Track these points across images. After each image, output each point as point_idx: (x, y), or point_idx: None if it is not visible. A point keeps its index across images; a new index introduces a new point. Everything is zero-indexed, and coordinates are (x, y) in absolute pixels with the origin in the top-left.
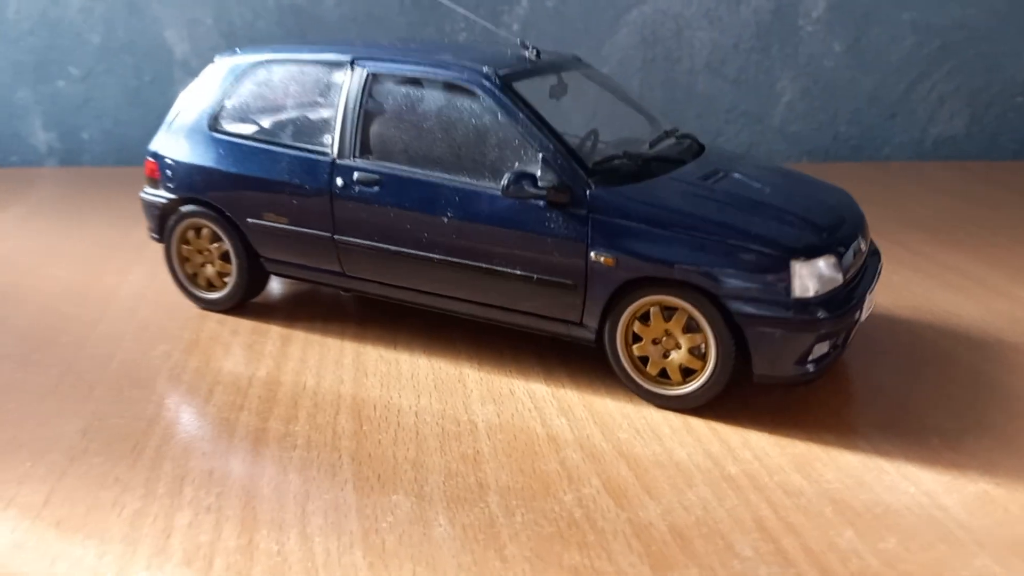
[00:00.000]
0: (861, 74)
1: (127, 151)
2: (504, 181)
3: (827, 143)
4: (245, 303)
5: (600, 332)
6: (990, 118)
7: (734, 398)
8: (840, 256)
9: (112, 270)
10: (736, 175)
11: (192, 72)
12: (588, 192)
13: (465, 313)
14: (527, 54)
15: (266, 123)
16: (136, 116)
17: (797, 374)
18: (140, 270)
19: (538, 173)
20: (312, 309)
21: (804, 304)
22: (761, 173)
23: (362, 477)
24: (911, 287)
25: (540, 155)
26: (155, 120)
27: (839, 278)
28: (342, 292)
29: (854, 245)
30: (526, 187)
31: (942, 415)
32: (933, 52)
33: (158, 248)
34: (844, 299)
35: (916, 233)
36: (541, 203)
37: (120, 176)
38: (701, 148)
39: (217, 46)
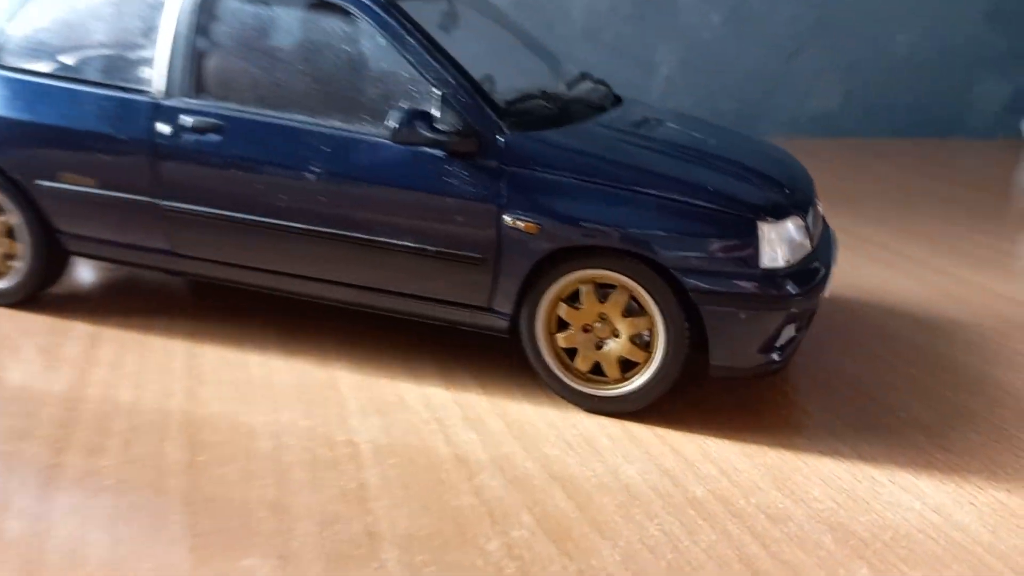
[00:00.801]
0: (739, 47)
1: None
2: (392, 122)
3: (706, 118)
4: (39, 294)
5: (515, 319)
6: (865, 94)
7: (676, 396)
8: (805, 218)
9: None
10: (671, 124)
11: None
12: (501, 138)
13: (335, 299)
14: None
15: (65, 54)
16: None
17: (762, 363)
18: None
19: (436, 114)
20: (130, 299)
21: (773, 276)
22: (696, 124)
23: (200, 532)
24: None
25: (439, 92)
26: None
27: (808, 244)
28: (171, 276)
29: (812, 207)
30: (421, 130)
31: (915, 405)
32: (810, 25)
33: None
34: (813, 270)
35: (824, 208)
36: (439, 153)
37: None
38: (618, 98)
39: None
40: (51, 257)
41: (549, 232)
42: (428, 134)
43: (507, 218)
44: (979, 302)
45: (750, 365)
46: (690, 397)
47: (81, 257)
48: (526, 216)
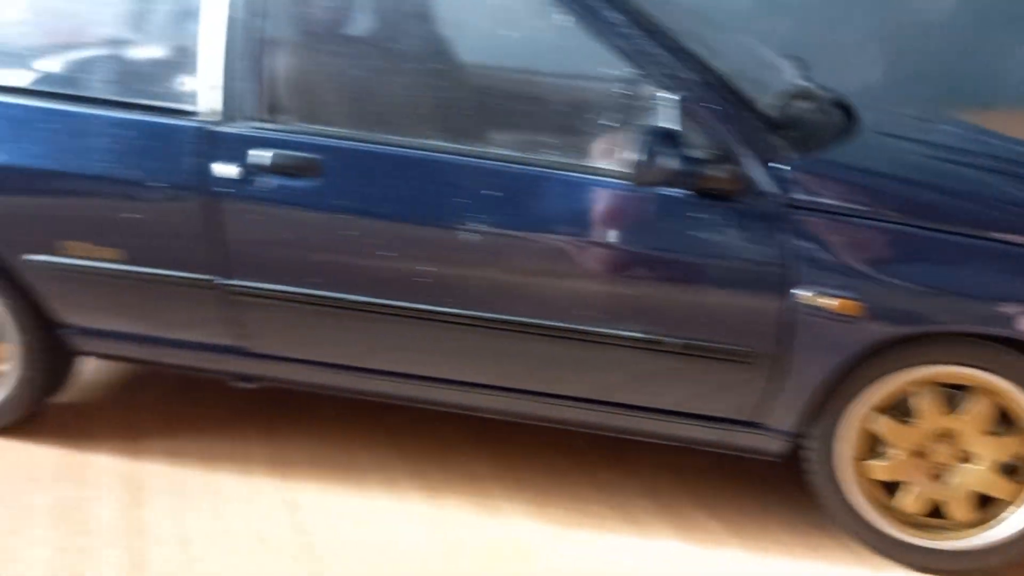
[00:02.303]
0: (776, 19)
1: None
2: (641, 153)
3: None
4: (32, 412)
5: (799, 438)
6: (904, 64)
7: None
8: None
9: None
10: (946, 127)
11: None
12: (781, 166)
13: (502, 412)
14: None
15: (55, 61)
16: None
17: None
18: None
19: (676, 130)
20: (169, 407)
21: None
22: (969, 127)
23: None
24: None
25: (678, 97)
26: None
27: None
28: (238, 384)
29: None
30: (670, 160)
31: None
32: None
33: None
34: None
35: None
36: (680, 193)
37: None
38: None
39: None
40: (49, 362)
41: (881, 313)
42: (675, 164)
43: (803, 292)
44: None
45: None
46: None
47: (95, 357)
48: (837, 289)
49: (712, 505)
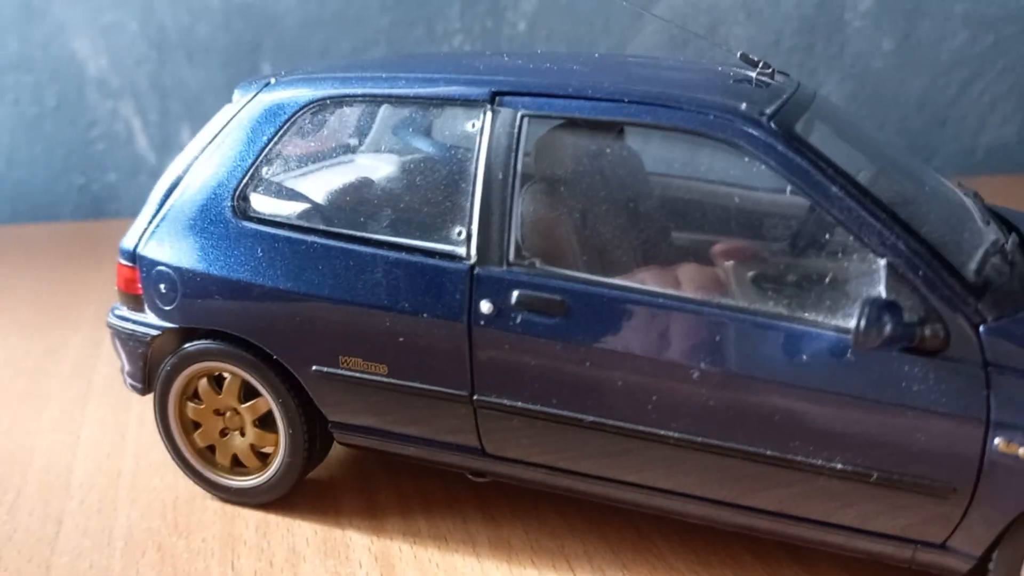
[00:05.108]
0: (910, 76)
1: (27, 202)
2: (861, 320)
3: None
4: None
5: (983, 563)
6: None
7: None
8: None
9: (36, 415)
10: None
11: (113, 94)
12: (982, 328)
13: (700, 517)
14: (760, 77)
15: (338, 204)
16: (38, 155)
17: None
18: (93, 417)
19: (887, 296)
20: (401, 492)
21: None
22: None
23: None
24: None
25: (882, 262)
26: (64, 160)
27: None
28: (472, 477)
29: None
30: (891, 327)
31: None
32: (986, 49)
33: (114, 380)
34: None
35: None
36: (893, 351)
37: (20, 239)
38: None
39: (145, 58)
40: (311, 449)
41: None
42: (898, 332)
43: (999, 441)
44: None
45: None
46: None
47: (351, 447)
48: None
49: None
